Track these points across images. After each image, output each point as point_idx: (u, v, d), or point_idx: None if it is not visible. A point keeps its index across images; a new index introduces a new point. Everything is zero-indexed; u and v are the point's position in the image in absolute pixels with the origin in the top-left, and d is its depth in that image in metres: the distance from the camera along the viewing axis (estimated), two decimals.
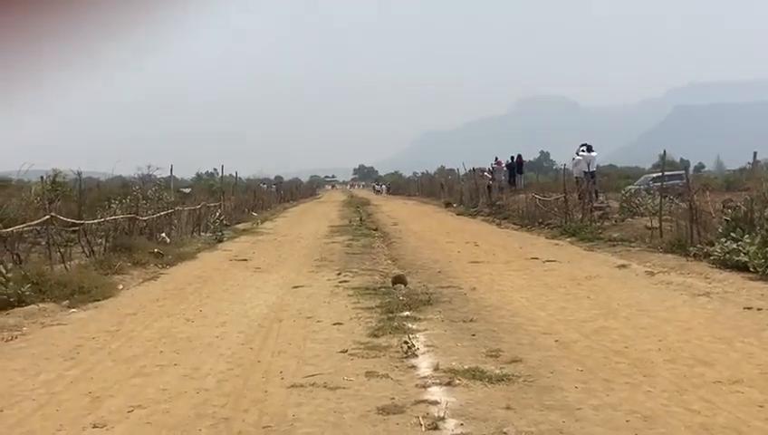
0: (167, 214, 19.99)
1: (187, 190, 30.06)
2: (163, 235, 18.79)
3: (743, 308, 9.34)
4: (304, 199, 71.82)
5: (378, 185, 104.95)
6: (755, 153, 14.64)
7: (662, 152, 21.98)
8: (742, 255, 12.02)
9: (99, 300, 11.18)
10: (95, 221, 15.68)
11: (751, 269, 11.60)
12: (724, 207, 14.93)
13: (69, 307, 10.59)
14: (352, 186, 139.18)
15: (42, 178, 16.29)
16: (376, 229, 26.00)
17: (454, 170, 55.95)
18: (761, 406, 5.53)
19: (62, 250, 13.55)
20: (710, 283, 11.39)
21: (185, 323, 9.40)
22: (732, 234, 12.84)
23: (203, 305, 10.77)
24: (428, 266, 14.94)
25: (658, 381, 6.25)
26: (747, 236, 12.30)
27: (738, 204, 14.05)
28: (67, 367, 7.25)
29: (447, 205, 42.39)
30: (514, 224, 25.94)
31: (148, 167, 33.72)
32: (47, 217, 13.04)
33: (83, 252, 14.69)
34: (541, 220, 23.90)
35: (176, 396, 6.18)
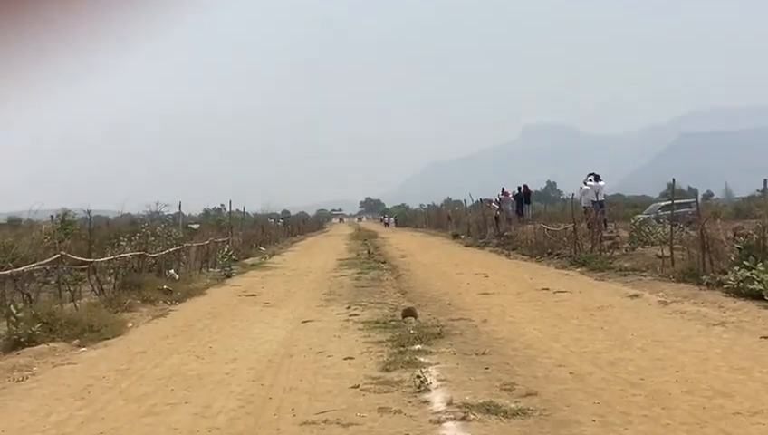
0: (175, 250, 19.99)
1: (196, 226, 30.13)
2: (172, 271, 18.79)
3: (759, 337, 9.22)
4: (312, 233, 71.91)
5: (386, 218, 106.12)
6: (765, 180, 14.57)
7: (670, 180, 21.93)
8: (756, 283, 11.90)
9: (108, 338, 11.13)
10: (104, 259, 15.67)
11: (765, 298, 11.48)
12: (735, 234, 14.84)
13: (79, 346, 10.54)
14: (360, 219, 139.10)
15: (51, 217, 16.33)
16: (384, 262, 25.96)
17: (461, 202, 55.96)
18: None
19: (71, 289, 13.53)
20: (725, 312, 11.27)
21: (195, 361, 9.33)
22: (745, 262, 12.72)
23: (212, 342, 10.71)
24: (438, 299, 14.86)
25: (677, 413, 6.14)
26: (761, 264, 12.19)
27: (750, 232, 13.97)
28: (78, 407, 7.19)
29: (455, 236, 42.33)
30: (523, 255, 25.84)
31: (157, 204, 33.90)
32: (57, 255, 13.04)
33: (93, 290, 14.67)
34: (550, 251, 23.81)
35: None
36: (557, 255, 22.76)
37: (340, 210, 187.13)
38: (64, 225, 21.41)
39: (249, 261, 28.48)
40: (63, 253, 13.27)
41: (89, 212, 18.55)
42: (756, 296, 11.74)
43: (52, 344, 10.38)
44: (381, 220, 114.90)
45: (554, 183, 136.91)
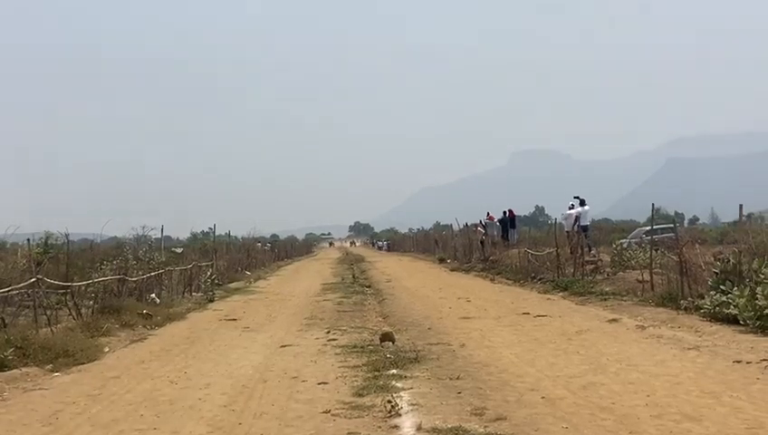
0: (157, 274, 19.90)
1: (180, 250, 29.98)
2: (153, 295, 18.68)
3: (732, 362, 9.26)
4: (299, 257, 71.74)
5: (380, 242, 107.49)
6: (741, 206, 14.71)
7: (655, 206, 22.05)
8: (732, 307, 11.97)
9: (83, 363, 11.04)
10: (83, 283, 15.57)
11: (741, 322, 11.55)
12: (715, 259, 14.93)
13: (52, 371, 10.44)
14: (352, 243, 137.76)
15: (28, 240, 16.24)
16: (369, 286, 25.91)
17: (449, 226, 56.04)
18: None
19: (48, 313, 13.43)
20: (700, 336, 11.32)
21: (168, 386, 9.27)
22: (722, 287, 12.81)
23: (188, 367, 10.64)
24: (419, 323, 14.84)
25: None
26: (737, 288, 12.26)
27: (728, 257, 14.06)
28: (44, 433, 7.13)
29: (441, 260, 42.36)
30: (507, 279, 25.87)
31: (143, 227, 33.77)
32: (33, 279, 12.96)
33: (71, 314, 14.55)
34: (533, 275, 23.86)
35: None
36: (540, 279, 22.80)
37: (329, 234, 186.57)
38: (46, 248, 21.33)
39: (233, 285, 28.36)
40: (39, 277, 13.17)
41: (67, 235, 18.44)
42: (732, 321, 11.81)
43: (24, 369, 10.27)
44: (373, 244, 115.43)
45: (542, 208, 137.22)
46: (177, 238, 57.78)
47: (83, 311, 14.89)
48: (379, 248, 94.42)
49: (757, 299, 11.34)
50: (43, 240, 21.62)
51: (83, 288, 15.56)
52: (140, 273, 18.58)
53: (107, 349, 12.45)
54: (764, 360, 9.12)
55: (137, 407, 8.09)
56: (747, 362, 9.11)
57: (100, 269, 17.57)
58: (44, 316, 13.17)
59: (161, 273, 20.52)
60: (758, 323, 11.09)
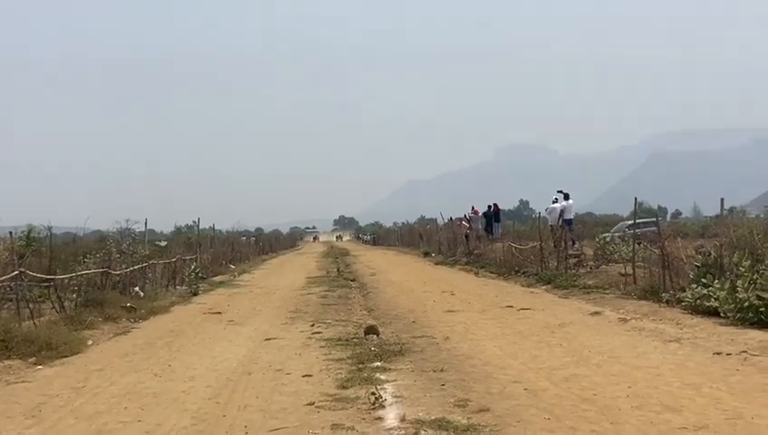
0: (140, 268, 19.82)
1: (163, 244, 29.85)
2: (137, 289, 18.61)
3: (712, 354, 9.37)
4: (284, 251, 71.63)
5: (365, 236, 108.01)
6: (722, 200, 14.87)
7: (639, 200, 22.20)
8: (712, 300, 12.09)
9: (66, 356, 10.99)
10: (66, 276, 15.49)
11: (721, 314, 11.67)
12: (696, 252, 15.07)
13: (35, 364, 10.39)
14: (339, 237, 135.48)
15: (10, 233, 16.13)
16: (353, 280, 25.92)
17: (434, 220, 56.14)
18: None
19: (31, 306, 13.35)
20: (681, 329, 11.43)
21: (152, 379, 9.26)
22: (703, 280, 12.93)
23: (172, 360, 10.63)
24: (403, 316, 14.88)
25: (624, 428, 6.23)
26: (717, 281, 12.38)
27: (709, 250, 14.19)
28: (27, 425, 7.10)
29: (426, 254, 42.43)
30: (492, 272, 25.96)
31: (127, 221, 33.57)
32: (16, 272, 12.88)
33: (53, 308, 14.48)
34: (517, 268, 23.97)
35: None
36: (524, 272, 22.91)
37: (314, 228, 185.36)
38: (29, 241, 21.18)
39: (218, 279, 28.30)
40: (22, 270, 13.10)
41: (50, 229, 18.33)
42: (712, 313, 11.93)
43: (7, 362, 10.24)
44: (359, 238, 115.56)
45: (527, 202, 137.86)
46: (161, 232, 57.53)
47: (66, 304, 14.82)
48: (365, 242, 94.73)
49: (737, 292, 11.45)
50: (26, 233, 21.46)
51: (66, 281, 15.48)
52: (124, 266, 18.51)
53: (90, 342, 12.41)
54: (744, 352, 9.24)
55: (120, 399, 8.08)
56: (727, 354, 9.22)
57: (84, 262, 17.49)
58: (27, 309, 13.10)
59: (145, 266, 20.45)
60: (738, 315, 11.21)
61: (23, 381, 9.34)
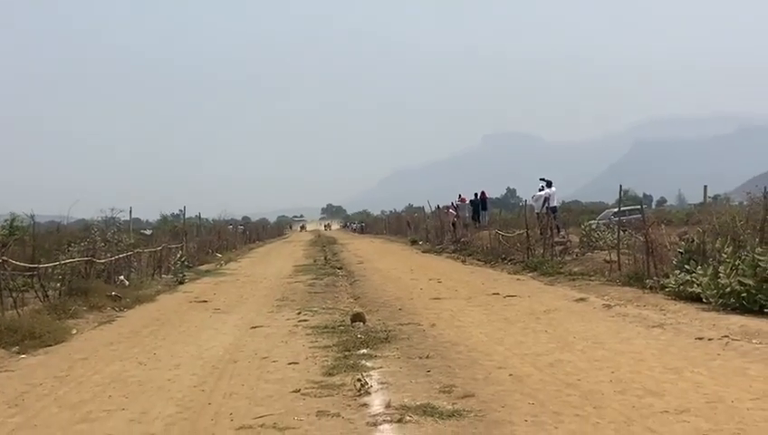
0: (125, 256, 19.73)
1: (149, 232, 29.73)
2: (122, 277, 18.53)
3: (694, 339, 9.45)
4: (271, 240, 71.53)
5: (353, 224, 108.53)
6: (705, 187, 14.97)
7: (624, 187, 22.27)
8: (695, 286, 12.19)
9: (50, 345, 10.94)
10: (50, 265, 15.39)
11: (704, 300, 11.76)
12: (680, 239, 15.17)
13: (19, 353, 10.34)
14: (327, 226, 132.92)
15: None
16: (341, 268, 25.93)
17: (422, 208, 56.19)
18: None
19: (14, 295, 13.27)
20: (665, 314, 11.53)
21: (137, 367, 9.24)
22: (686, 266, 13.03)
23: (157, 348, 10.60)
24: (390, 304, 14.91)
25: (607, 412, 6.28)
26: (700, 268, 12.48)
27: (692, 237, 14.30)
28: (10, 414, 7.07)
29: (413, 242, 42.51)
30: (479, 260, 26.05)
31: (111, 210, 33.39)
32: None
33: (37, 297, 14.40)
34: (504, 256, 24.06)
35: None
36: (510, 260, 23.00)
37: (301, 216, 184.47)
38: (12, 230, 21.01)
39: (204, 267, 28.23)
40: (5, 258, 13.01)
41: (32, 217, 18.19)
42: (695, 299, 12.03)
43: None
44: (346, 226, 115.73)
45: (514, 190, 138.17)
46: (147, 220, 57.24)
47: (50, 293, 14.74)
48: (353, 230, 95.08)
49: (720, 278, 11.55)
50: (9, 222, 21.30)
51: (50, 270, 15.38)
52: (109, 255, 18.41)
53: (74, 331, 12.35)
54: (725, 337, 9.33)
55: (105, 388, 8.06)
56: (709, 339, 9.31)
57: (68, 251, 17.36)
58: (10, 298, 13.02)
59: (130, 255, 20.36)
60: (720, 301, 11.31)
61: (6, 371, 9.29)
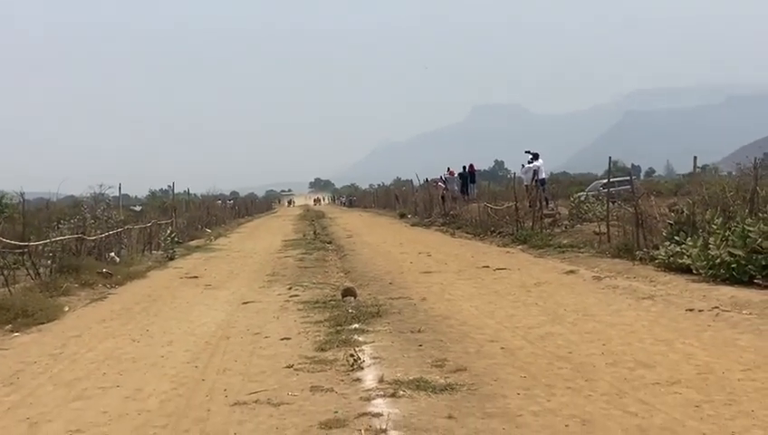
0: (116, 233, 19.65)
1: (138, 209, 29.61)
2: (112, 254, 18.46)
3: (685, 310, 9.54)
4: (260, 214, 71.44)
5: (342, 198, 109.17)
6: (695, 157, 15.02)
7: (613, 159, 22.33)
8: (685, 257, 12.27)
9: (43, 323, 10.92)
10: (40, 242, 15.31)
11: (693, 271, 11.85)
12: (669, 210, 15.24)
13: (11, 331, 10.33)
14: (317, 200, 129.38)
15: None
16: (330, 242, 25.92)
17: (410, 181, 56.17)
18: (697, 406, 5.66)
19: (5, 273, 13.22)
20: (655, 286, 11.61)
21: (130, 344, 9.25)
22: (676, 237, 13.12)
23: (150, 325, 10.61)
24: (380, 278, 14.95)
25: (599, 384, 6.34)
26: (690, 239, 12.56)
27: (682, 208, 14.37)
28: (6, 392, 7.08)
29: (402, 216, 42.54)
30: (468, 233, 26.10)
31: (100, 186, 33.18)
32: None
33: (28, 274, 14.35)
34: (493, 229, 24.12)
35: (116, 419, 6.09)
36: (500, 233, 23.06)
37: (289, 191, 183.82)
38: (1, 207, 20.90)
39: (194, 243, 28.16)
40: None
41: (22, 194, 18.06)
42: (685, 270, 12.12)
43: None
44: (335, 200, 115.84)
45: (502, 162, 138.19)
46: (136, 197, 57.00)
47: (41, 271, 14.68)
48: (342, 204, 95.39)
49: (710, 249, 11.63)
50: None
51: (41, 248, 15.30)
52: (99, 232, 18.32)
53: (67, 308, 12.34)
54: (715, 308, 9.42)
55: (99, 365, 8.08)
56: (699, 311, 9.39)
57: (58, 228, 17.26)
58: (2, 276, 12.99)
59: (120, 231, 20.27)
60: (710, 272, 11.40)
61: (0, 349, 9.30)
